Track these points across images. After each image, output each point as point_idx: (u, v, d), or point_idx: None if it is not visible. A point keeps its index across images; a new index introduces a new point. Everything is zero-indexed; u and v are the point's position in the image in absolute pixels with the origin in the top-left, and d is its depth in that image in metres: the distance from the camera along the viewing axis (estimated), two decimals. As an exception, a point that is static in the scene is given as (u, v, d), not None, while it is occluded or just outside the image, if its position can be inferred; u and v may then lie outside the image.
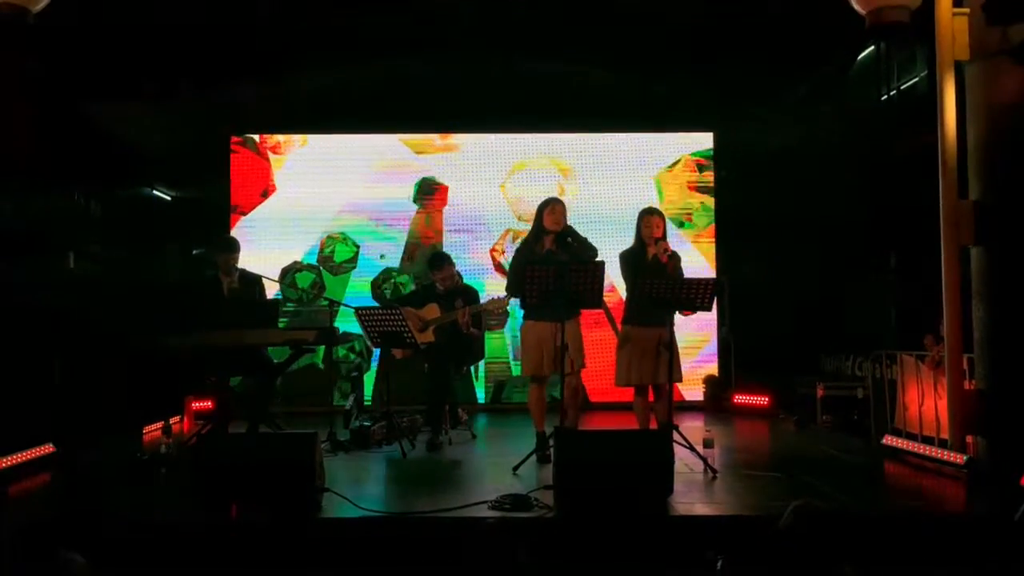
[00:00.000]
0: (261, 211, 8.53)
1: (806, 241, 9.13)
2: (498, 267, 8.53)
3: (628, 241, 5.62)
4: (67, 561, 2.56)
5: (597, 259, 5.30)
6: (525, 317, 5.55)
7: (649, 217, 5.46)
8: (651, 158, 8.63)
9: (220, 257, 6.28)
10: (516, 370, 8.35)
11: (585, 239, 5.53)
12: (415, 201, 8.57)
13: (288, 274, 8.45)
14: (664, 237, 5.45)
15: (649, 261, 5.39)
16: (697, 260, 8.41)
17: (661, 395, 5.42)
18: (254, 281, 6.39)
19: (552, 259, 5.33)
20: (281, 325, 7.45)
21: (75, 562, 2.57)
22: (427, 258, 6.70)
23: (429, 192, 8.59)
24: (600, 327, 8.10)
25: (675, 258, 5.49)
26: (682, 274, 5.50)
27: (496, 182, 8.60)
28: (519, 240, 8.43)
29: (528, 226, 8.29)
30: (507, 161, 8.65)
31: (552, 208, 5.51)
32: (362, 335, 6.47)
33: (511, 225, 8.57)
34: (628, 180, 8.51)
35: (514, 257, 5.67)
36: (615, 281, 6.76)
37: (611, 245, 5.84)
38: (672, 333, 5.31)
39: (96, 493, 4.71)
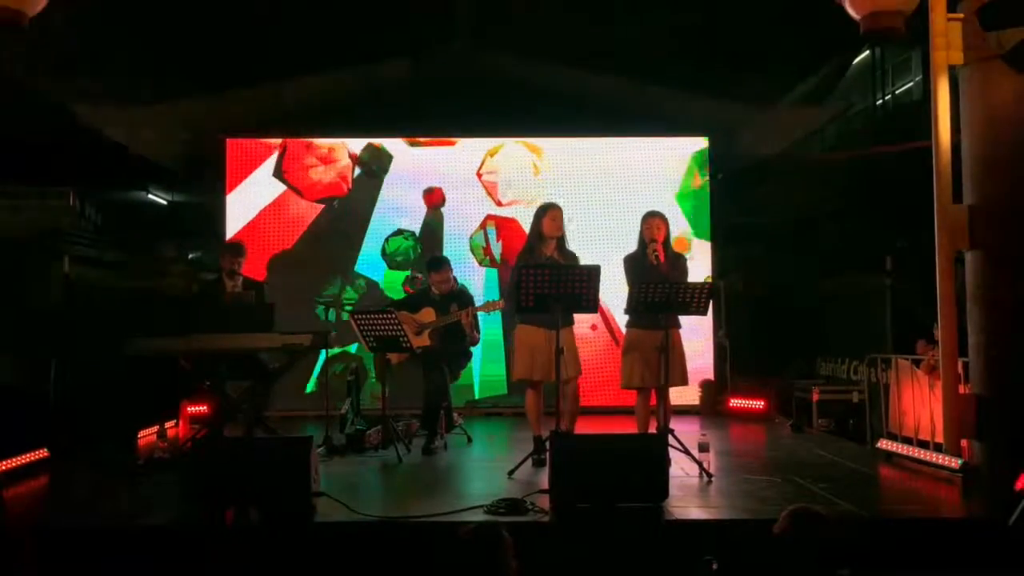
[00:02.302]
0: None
1: (801, 245, 9.17)
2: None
3: (621, 248, 5.64)
4: None
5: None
6: (520, 321, 5.55)
7: (651, 220, 5.49)
8: (648, 162, 8.63)
9: (225, 260, 6.27)
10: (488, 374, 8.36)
11: (572, 253, 5.58)
12: (360, 166, 8.53)
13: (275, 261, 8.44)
14: (667, 240, 5.47)
15: (650, 264, 5.40)
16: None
17: (662, 398, 5.43)
18: (256, 286, 6.39)
19: (555, 264, 5.33)
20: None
21: None
22: (426, 261, 6.70)
23: (377, 157, 8.54)
24: (595, 330, 8.13)
25: (679, 259, 5.52)
26: (686, 275, 5.52)
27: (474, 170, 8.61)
28: (489, 225, 8.48)
29: (506, 212, 8.50)
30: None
31: (552, 215, 5.52)
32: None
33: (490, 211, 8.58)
34: (625, 184, 8.50)
35: (515, 265, 5.66)
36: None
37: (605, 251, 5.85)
38: (677, 336, 5.33)
39: (91, 497, 4.70)
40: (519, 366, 5.51)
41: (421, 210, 8.51)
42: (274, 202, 8.43)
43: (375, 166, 8.52)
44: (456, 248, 8.39)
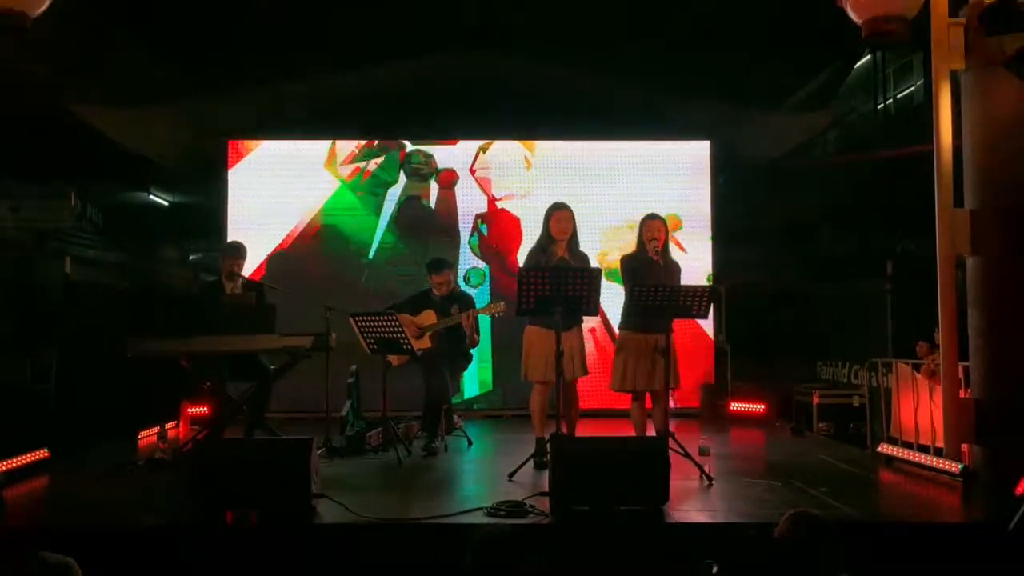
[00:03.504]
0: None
1: (802, 248, 9.17)
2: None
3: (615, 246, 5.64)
4: (59, 565, 2.50)
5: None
6: (529, 323, 5.54)
7: (651, 222, 5.48)
8: (648, 166, 8.64)
9: (225, 261, 6.27)
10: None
11: (584, 255, 5.57)
12: (409, 176, 8.60)
13: (272, 260, 8.46)
14: (666, 244, 5.47)
15: (649, 261, 5.40)
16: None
17: (658, 402, 5.42)
18: (255, 288, 6.39)
19: (564, 267, 5.33)
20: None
21: (69, 566, 2.52)
22: (427, 263, 6.70)
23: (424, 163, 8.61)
24: (593, 333, 8.13)
25: (676, 266, 5.52)
26: (678, 282, 5.52)
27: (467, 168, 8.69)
28: (480, 223, 8.52)
29: (502, 207, 8.56)
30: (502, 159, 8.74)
31: (558, 216, 5.51)
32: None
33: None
34: (617, 178, 8.54)
35: (522, 266, 5.66)
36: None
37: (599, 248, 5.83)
38: (670, 340, 5.32)
39: (90, 498, 4.70)
40: (534, 368, 5.50)
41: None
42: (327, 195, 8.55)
43: (424, 169, 8.59)
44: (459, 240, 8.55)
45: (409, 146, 8.61)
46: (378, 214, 8.54)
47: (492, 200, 8.59)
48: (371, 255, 8.50)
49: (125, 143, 8.09)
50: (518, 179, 8.60)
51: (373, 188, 8.57)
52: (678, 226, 8.35)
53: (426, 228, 8.55)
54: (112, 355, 5.92)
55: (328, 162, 8.56)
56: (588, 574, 3.80)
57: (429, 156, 8.62)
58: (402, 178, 8.59)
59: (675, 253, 5.87)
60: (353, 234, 8.52)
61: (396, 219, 8.53)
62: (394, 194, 8.57)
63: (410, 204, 8.56)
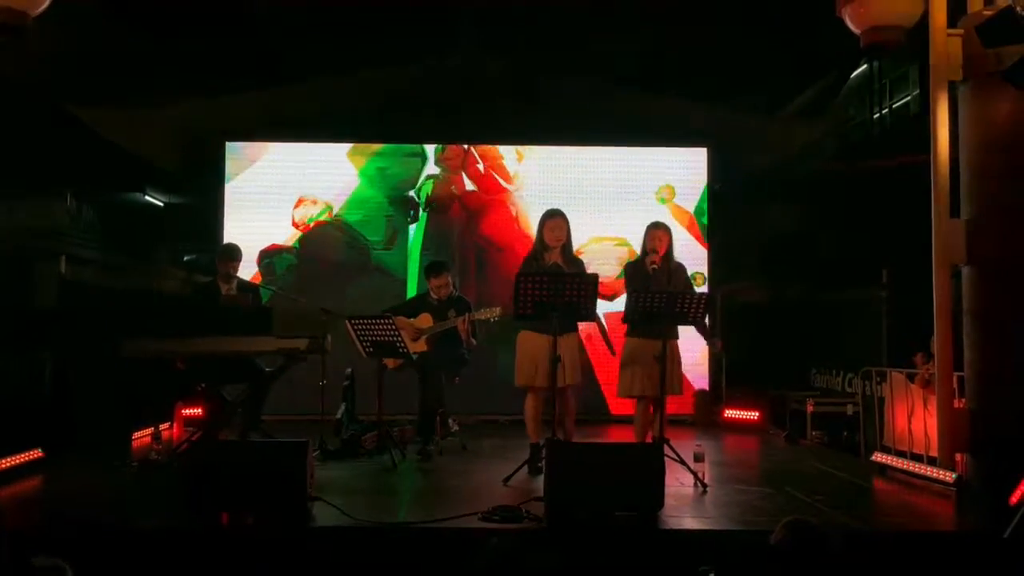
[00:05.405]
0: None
1: (798, 256, 9.18)
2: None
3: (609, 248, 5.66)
4: (51, 569, 2.49)
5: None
6: (522, 327, 5.55)
7: (654, 231, 5.52)
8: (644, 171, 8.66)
9: (220, 264, 6.27)
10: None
11: (579, 260, 5.60)
12: (437, 164, 8.69)
13: (265, 257, 8.47)
14: (668, 251, 5.49)
15: (647, 274, 5.43)
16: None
17: (656, 408, 5.44)
18: (251, 290, 6.39)
19: (553, 272, 5.34)
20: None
21: (63, 570, 2.51)
22: (425, 266, 6.71)
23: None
24: (591, 341, 8.13)
25: (679, 269, 5.54)
26: (687, 286, 5.55)
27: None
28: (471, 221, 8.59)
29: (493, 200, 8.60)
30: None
31: (551, 224, 5.51)
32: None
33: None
34: (625, 195, 8.55)
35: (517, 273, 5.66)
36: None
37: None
38: (675, 346, 5.35)
39: (84, 499, 4.68)
40: (522, 372, 5.50)
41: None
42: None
43: (455, 161, 8.69)
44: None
45: (430, 148, 8.70)
46: (401, 210, 8.63)
47: (483, 193, 8.63)
48: (394, 250, 8.59)
49: (121, 143, 8.07)
50: (510, 172, 8.64)
51: (393, 184, 8.64)
52: (673, 195, 8.50)
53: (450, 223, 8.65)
54: (107, 356, 5.90)
55: (352, 153, 8.62)
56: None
57: (464, 149, 8.70)
58: (426, 172, 8.64)
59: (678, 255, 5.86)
60: (369, 231, 8.60)
61: (424, 212, 8.62)
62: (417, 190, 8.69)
63: (438, 196, 8.64)
